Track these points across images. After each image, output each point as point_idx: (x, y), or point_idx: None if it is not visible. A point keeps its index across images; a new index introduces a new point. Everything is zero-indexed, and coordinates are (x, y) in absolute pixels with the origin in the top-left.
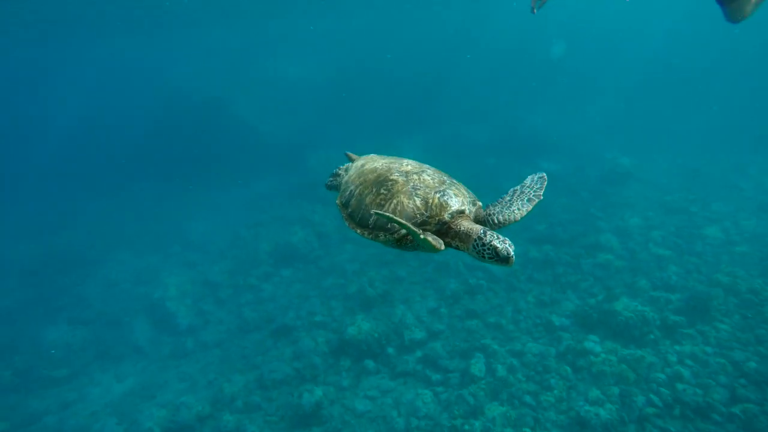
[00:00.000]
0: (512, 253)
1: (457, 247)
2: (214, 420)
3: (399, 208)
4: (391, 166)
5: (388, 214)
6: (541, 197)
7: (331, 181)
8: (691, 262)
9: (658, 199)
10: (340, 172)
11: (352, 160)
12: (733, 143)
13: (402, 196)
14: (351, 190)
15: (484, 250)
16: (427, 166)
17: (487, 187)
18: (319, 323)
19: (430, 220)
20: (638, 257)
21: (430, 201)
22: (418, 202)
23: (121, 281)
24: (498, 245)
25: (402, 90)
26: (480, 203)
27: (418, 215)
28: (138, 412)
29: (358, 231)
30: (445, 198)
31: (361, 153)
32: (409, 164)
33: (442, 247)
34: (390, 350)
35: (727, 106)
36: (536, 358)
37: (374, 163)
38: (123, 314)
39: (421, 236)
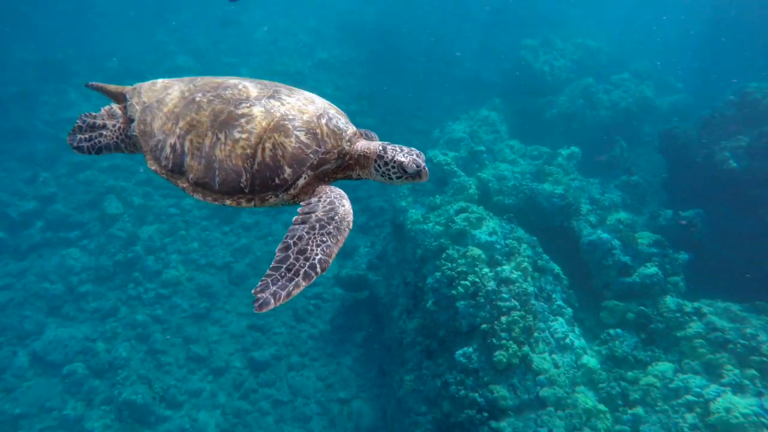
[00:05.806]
0: (423, 164)
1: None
2: None
3: (280, 152)
4: (222, 93)
5: None
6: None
7: (90, 137)
8: (254, 62)
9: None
10: (102, 121)
11: (123, 99)
12: None
13: (276, 134)
14: (175, 147)
15: (389, 170)
16: (270, 81)
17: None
18: None
19: (327, 156)
20: (214, 68)
21: (318, 131)
22: (303, 137)
23: None
24: (403, 159)
25: None
26: None
27: (311, 155)
28: None
29: (228, 202)
30: (334, 122)
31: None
32: (245, 84)
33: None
34: (1, 235)
35: None
36: None
37: (187, 95)
38: None
39: None
